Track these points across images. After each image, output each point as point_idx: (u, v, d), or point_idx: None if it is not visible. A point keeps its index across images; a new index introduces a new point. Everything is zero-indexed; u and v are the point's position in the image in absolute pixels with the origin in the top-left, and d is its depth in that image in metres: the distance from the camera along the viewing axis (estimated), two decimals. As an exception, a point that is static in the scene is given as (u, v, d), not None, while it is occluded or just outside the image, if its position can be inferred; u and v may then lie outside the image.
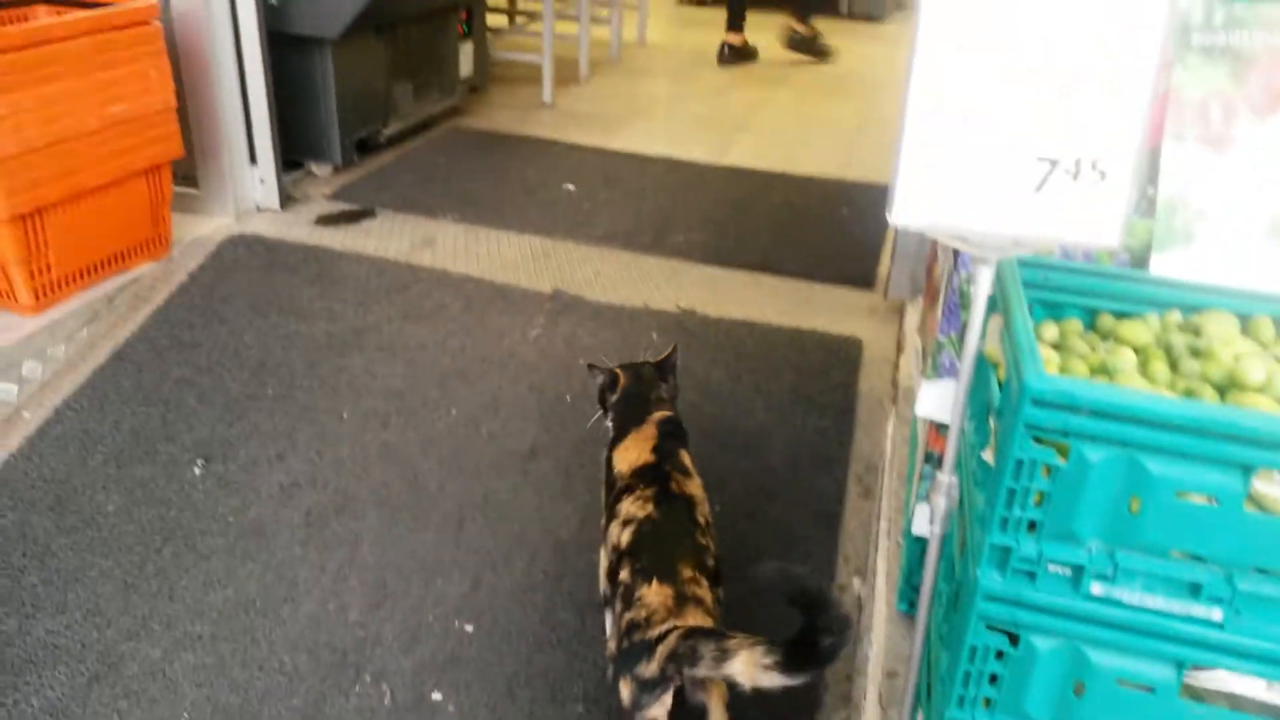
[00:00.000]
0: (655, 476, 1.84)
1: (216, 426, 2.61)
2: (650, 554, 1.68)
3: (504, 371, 2.83)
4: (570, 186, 4.12)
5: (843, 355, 2.84)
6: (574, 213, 3.86)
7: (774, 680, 1.41)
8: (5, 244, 2.65)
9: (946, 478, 1.21)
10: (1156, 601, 1.08)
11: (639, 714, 1.55)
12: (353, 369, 2.83)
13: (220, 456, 2.52)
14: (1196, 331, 1.31)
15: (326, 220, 3.67)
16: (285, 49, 3.68)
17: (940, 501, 1.22)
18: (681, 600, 1.60)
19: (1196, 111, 1.45)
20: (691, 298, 3.23)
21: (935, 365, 1.59)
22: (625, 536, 1.73)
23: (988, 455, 1.21)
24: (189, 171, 3.53)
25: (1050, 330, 1.34)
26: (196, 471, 2.47)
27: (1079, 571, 1.09)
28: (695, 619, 1.57)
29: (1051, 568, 1.11)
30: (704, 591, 1.65)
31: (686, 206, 3.97)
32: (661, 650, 1.51)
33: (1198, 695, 1.15)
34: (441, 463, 2.51)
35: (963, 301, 1.54)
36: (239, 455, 2.52)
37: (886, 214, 1.12)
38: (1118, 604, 1.09)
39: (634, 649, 1.56)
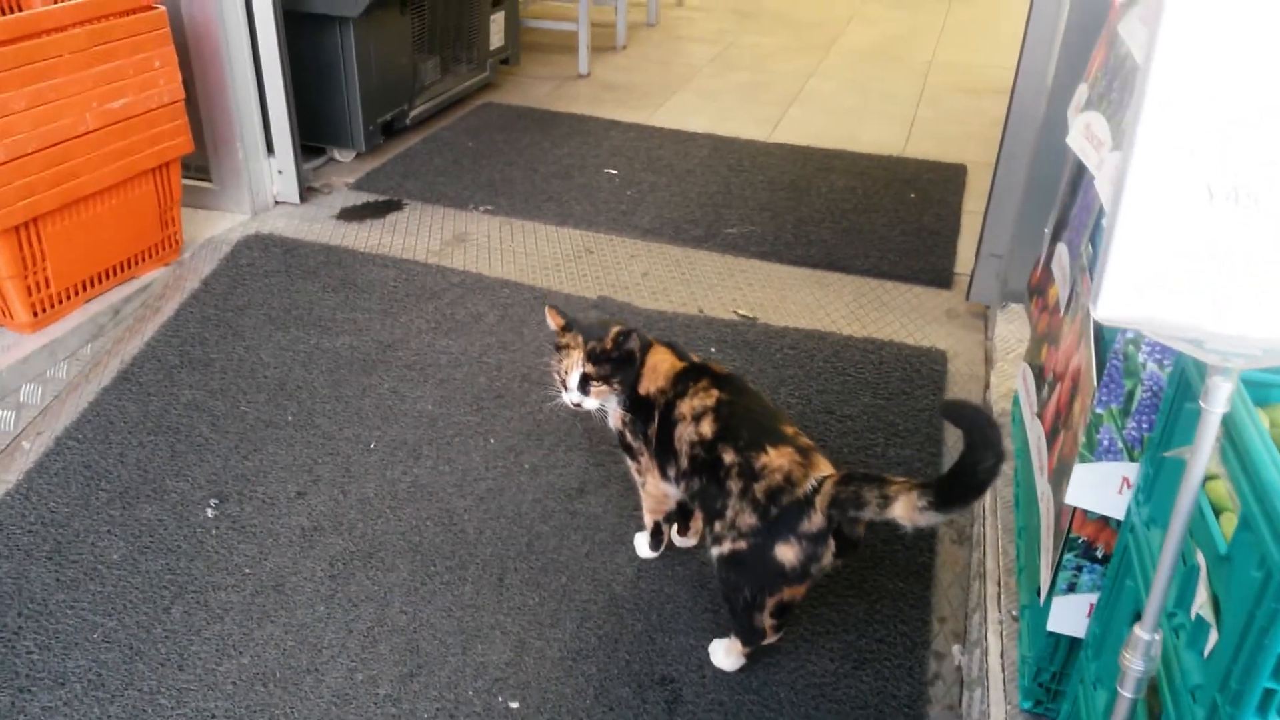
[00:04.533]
0: (697, 371, 1.85)
1: (230, 459, 2.36)
2: (747, 428, 1.72)
3: (547, 392, 2.55)
4: (612, 171, 3.80)
5: (925, 371, 2.53)
6: (617, 201, 3.55)
7: (930, 520, 1.52)
8: (-3, 258, 2.41)
9: (1147, 635, 0.92)
10: None
11: (814, 566, 1.65)
12: (379, 390, 2.56)
13: (235, 495, 2.27)
14: None
15: (350, 214, 3.40)
16: (302, 28, 3.39)
17: (1136, 664, 0.93)
18: (804, 453, 1.68)
19: None
20: (750, 301, 2.92)
21: (1091, 443, 1.28)
22: (707, 427, 1.75)
23: (1202, 607, 0.91)
24: (201, 163, 3.26)
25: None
26: (209, 514, 2.23)
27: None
28: (824, 465, 1.68)
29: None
30: (808, 440, 1.74)
31: (738, 192, 3.65)
32: (820, 501, 1.61)
33: None
34: (479, 502, 2.25)
35: (1127, 367, 1.24)
36: (255, 493, 2.28)
37: (1090, 305, 0.82)
38: None
39: (788, 511, 1.63)
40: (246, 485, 2.30)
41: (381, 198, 3.54)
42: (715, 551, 1.75)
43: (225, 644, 1.95)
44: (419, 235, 3.29)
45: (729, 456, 1.71)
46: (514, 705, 1.84)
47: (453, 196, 3.55)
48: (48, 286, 2.56)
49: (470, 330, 2.78)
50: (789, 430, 1.73)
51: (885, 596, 2.02)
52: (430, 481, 2.30)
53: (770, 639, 1.84)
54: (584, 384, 1.85)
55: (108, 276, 2.77)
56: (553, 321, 1.93)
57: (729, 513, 1.70)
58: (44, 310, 2.58)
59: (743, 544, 1.68)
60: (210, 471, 2.33)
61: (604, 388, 1.85)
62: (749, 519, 1.67)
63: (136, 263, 2.85)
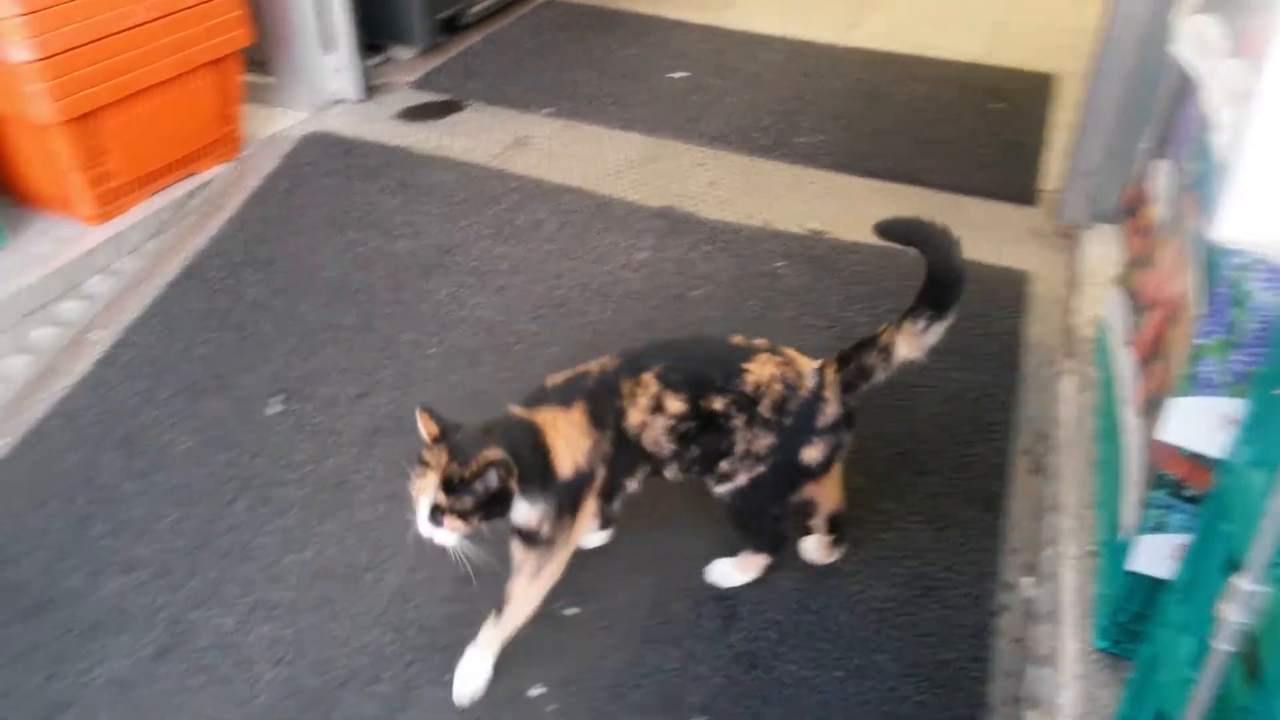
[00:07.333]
0: (605, 390, 1.59)
1: (292, 359, 2.37)
2: (710, 369, 1.61)
3: (607, 302, 2.50)
4: (679, 74, 3.66)
5: (1004, 294, 2.42)
6: (684, 106, 3.43)
7: (935, 335, 1.58)
8: (61, 149, 2.40)
9: (1249, 585, 0.86)
10: None
11: (838, 452, 1.66)
12: (438, 295, 2.54)
13: (297, 394, 2.28)
14: None
15: (410, 114, 3.33)
16: (363, -86, 3.27)
17: (1234, 613, 0.87)
18: (775, 353, 1.64)
19: None
20: (821, 215, 2.81)
21: (1192, 377, 1.20)
22: (674, 404, 1.59)
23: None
24: (263, 57, 3.20)
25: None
26: (273, 410, 2.24)
27: None
28: (801, 357, 1.65)
29: None
30: (763, 339, 1.67)
31: (811, 98, 3.50)
32: (830, 393, 1.61)
33: None
34: (538, 410, 2.22)
35: (1235, 296, 1.14)
36: (317, 393, 2.28)
37: (1203, 225, 0.73)
38: None
39: (803, 413, 1.60)
40: (308, 385, 2.30)
41: (442, 98, 3.46)
42: (728, 488, 1.69)
43: (288, 538, 1.98)
44: (479, 137, 3.21)
45: (718, 404, 1.61)
46: (571, 611, 1.84)
47: (514, 98, 3.45)
48: (110, 179, 2.55)
49: (530, 237, 2.73)
50: (741, 341, 1.67)
51: (953, 524, 1.97)
52: (490, 388, 2.28)
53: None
54: (435, 515, 1.49)
55: (169, 171, 2.75)
56: (424, 430, 1.53)
57: (738, 448, 1.64)
58: (108, 203, 2.58)
59: (762, 467, 1.65)
60: (273, 370, 2.34)
61: (460, 523, 1.48)
62: (765, 441, 1.62)
63: (197, 159, 2.83)
